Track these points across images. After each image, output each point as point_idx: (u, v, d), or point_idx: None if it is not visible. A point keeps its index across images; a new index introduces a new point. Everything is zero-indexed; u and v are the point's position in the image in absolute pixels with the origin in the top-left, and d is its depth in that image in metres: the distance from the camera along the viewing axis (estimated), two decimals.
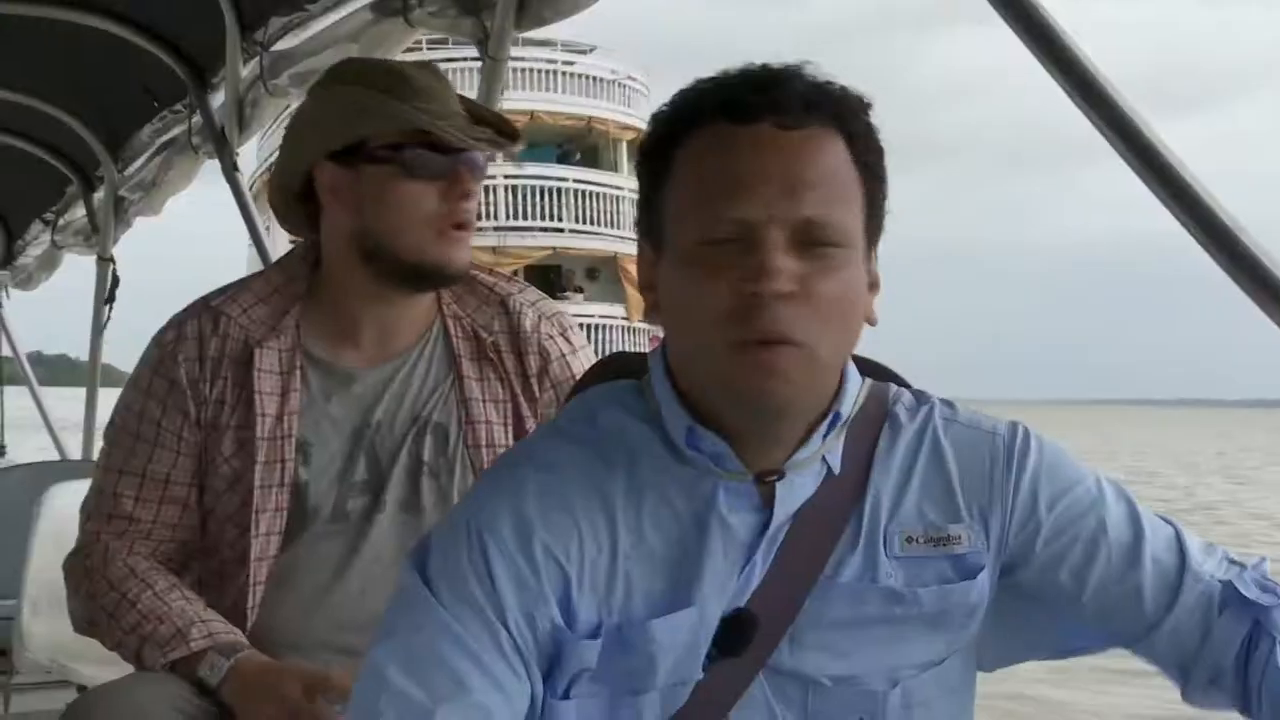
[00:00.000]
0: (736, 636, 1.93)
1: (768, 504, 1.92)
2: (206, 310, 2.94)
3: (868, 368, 2.26)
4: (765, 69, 1.87)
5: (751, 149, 1.84)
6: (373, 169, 2.80)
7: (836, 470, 1.96)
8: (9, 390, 11.85)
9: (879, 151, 1.92)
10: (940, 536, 1.97)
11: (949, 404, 2.10)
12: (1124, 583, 1.97)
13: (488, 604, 1.87)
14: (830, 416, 1.93)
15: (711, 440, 1.91)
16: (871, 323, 1.95)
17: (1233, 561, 2.00)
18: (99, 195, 7.87)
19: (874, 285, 1.94)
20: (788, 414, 1.90)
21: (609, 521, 1.96)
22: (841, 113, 1.88)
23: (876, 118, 1.93)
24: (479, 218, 3.12)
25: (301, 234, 2.99)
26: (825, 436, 1.93)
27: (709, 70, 1.92)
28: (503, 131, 2.91)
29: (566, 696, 1.92)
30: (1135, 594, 1.96)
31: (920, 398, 2.10)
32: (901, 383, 2.34)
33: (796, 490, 1.94)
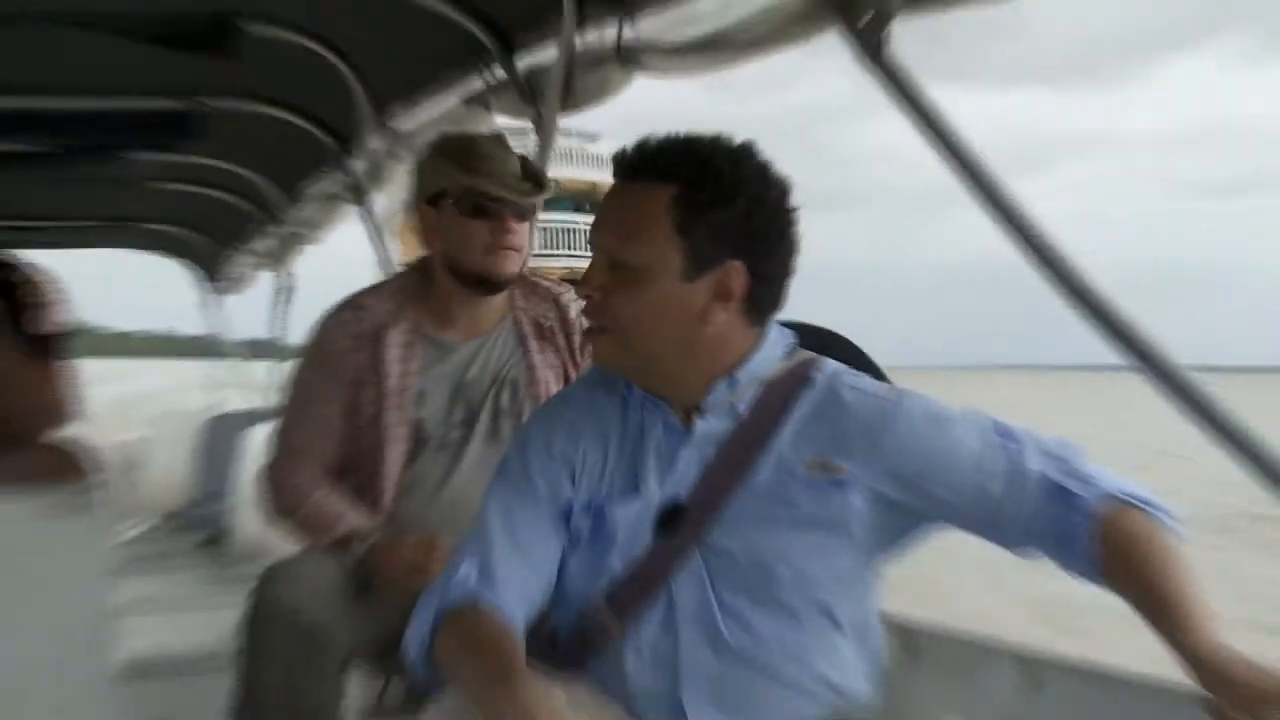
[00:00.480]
0: (669, 518, 2.38)
1: (689, 431, 2.43)
2: (351, 305, 3.57)
3: (828, 339, 2.82)
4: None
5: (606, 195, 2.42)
6: (448, 211, 3.43)
7: (741, 412, 2.41)
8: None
9: (721, 198, 2.30)
10: (830, 465, 2.35)
11: (856, 375, 2.49)
12: (977, 495, 2.35)
13: (526, 484, 2.45)
14: (726, 378, 2.41)
15: (641, 393, 2.49)
16: (704, 322, 2.34)
17: (1049, 451, 2.35)
18: (282, 229, 8.36)
19: (720, 293, 2.33)
20: (639, 378, 2.48)
21: (602, 438, 2.48)
22: (670, 168, 2.34)
23: (729, 172, 2.31)
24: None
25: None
26: (721, 391, 2.41)
27: None
28: (539, 184, 3.48)
29: (572, 552, 2.45)
30: (984, 502, 2.35)
31: (835, 369, 2.49)
32: (857, 351, 2.83)
33: (711, 424, 2.41)
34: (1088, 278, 2.49)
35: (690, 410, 2.44)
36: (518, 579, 2.35)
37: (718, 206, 2.30)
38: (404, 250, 5.10)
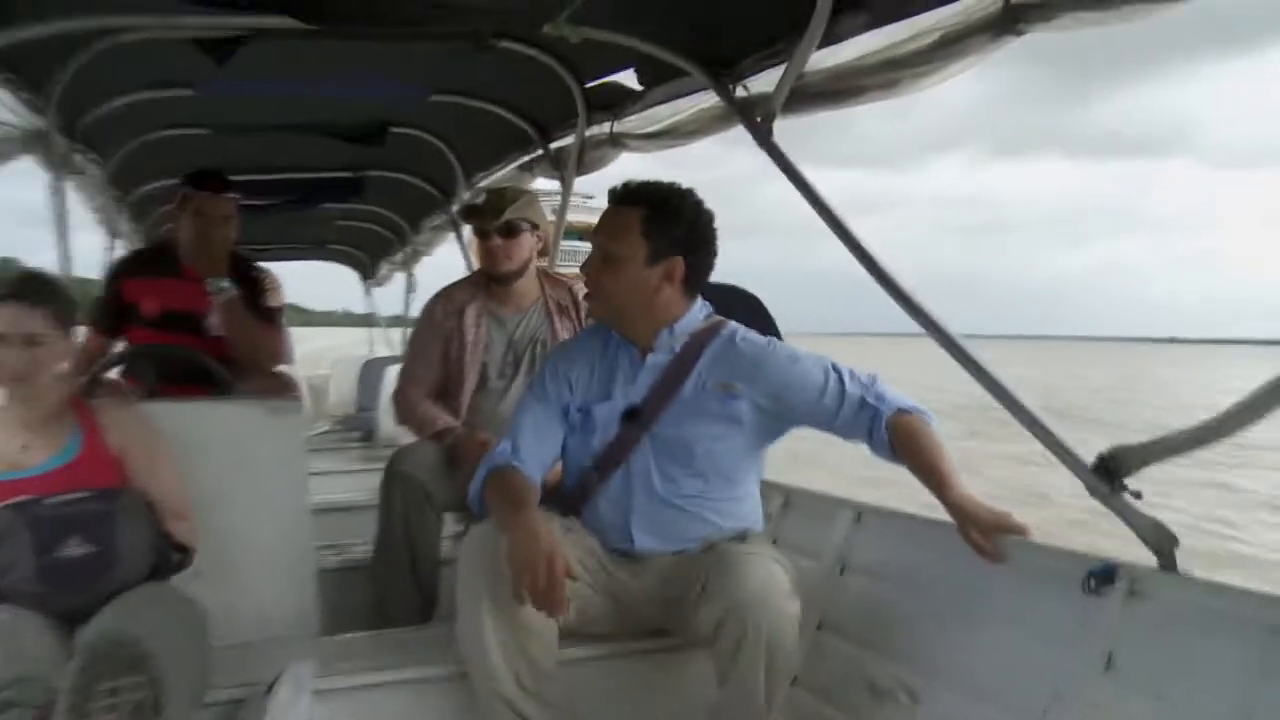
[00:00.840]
0: (631, 414, 2.50)
1: (644, 362, 2.53)
2: (444, 293, 3.56)
3: (743, 295, 2.99)
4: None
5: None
6: (477, 237, 3.48)
7: (677, 350, 2.50)
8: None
9: (671, 219, 2.42)
10: (728, 385, 2.47)
11: (747, 331, 2.55)
12: (818, 404, 2.45)
13: (544, 395, 2.56)
14: (668, 329, 2.50)
15: (617, 337, 2.56)
16: (657, 293, 2.45)
17: (862, 381, 2.46)
18: (408, 248, 8.42)
19: (667, 277, 2.44)
20: (614, 325, 2.56)
21: (590, 365, 2.57)
22: (641, 197, 2.44)
23: (676, 203, 2.44)
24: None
25: None
26: (664, 336, 2.50)
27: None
28: (500, 216, 3.36)
29: (569, 436, 2.56)
30: (824, 409, 2.45)
31: (734, 327, 2.55)
32: (758, 304, 3.00)
33: (658, 358, 2.51)
34: (897, 276, 2.52)
35: (645, 349, 2.53)
36: (533, 451, 2.49)
37: (669, 222, 2.44)
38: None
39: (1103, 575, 2.00)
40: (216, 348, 3.43)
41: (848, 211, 2.69)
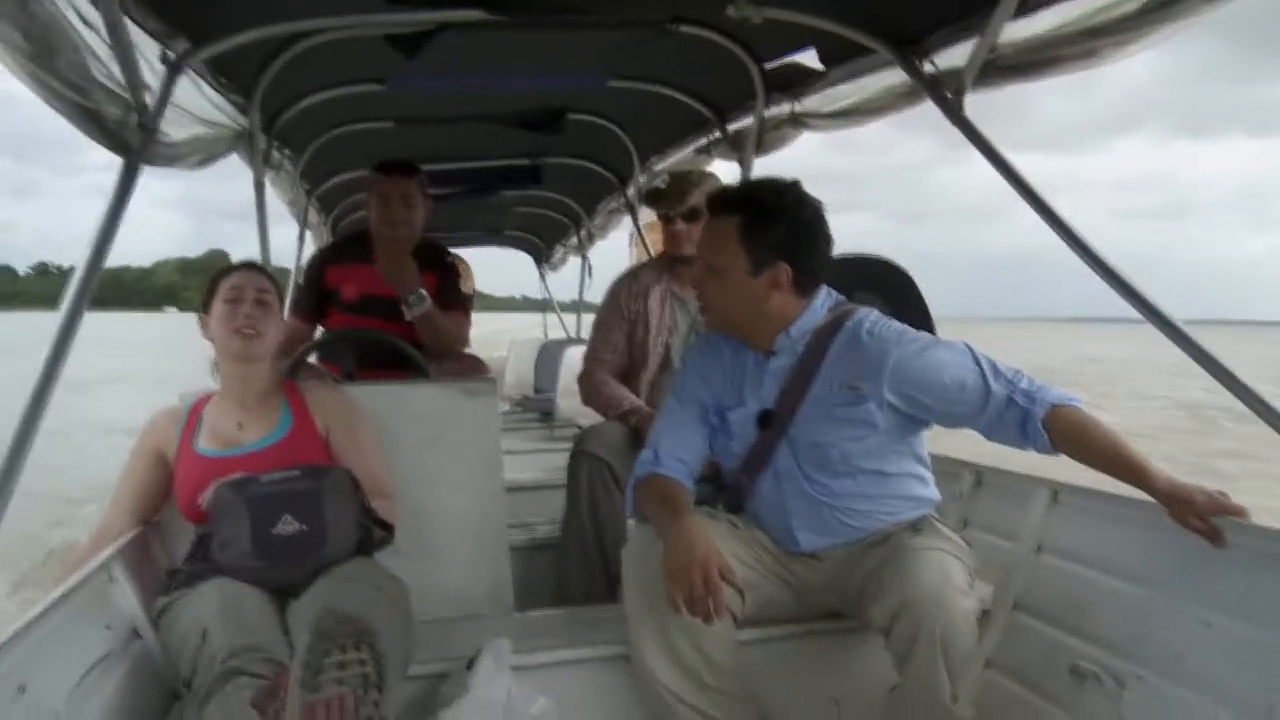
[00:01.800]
0: (765, 419, 2.42)
1: (768, 366, 2.43)
2: (631, 274, 3.61)
3: (890, 270, 2.87)
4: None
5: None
6: (661, 221, 3.49)
7: (799, 352, 2.39)
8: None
9: (768, 223, 2.30)
10: (854, 384, 2.33)
11: (872, 317, 2.39)
12: (957, 403, 2.30)
13: (683, 398, 2.52)
14: (784, 332, 2.39)
15: (738, 342, 2.48)
16: (765, 301, 2.35)
17: (1007, 378, 2.29)
18: (583, 232, 8.51)
19: (774, 284, 2.33)
20: (728, 332, 2.48)
21: (720, 366, 2.51)
22: (735, 205, 2.35)
23: (774, 205, 2.31)
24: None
25: None
26: (782, 339, 2.40)
27: None
28: (694, 208, 3.29)
29: (714, 440, 2.52)
30: (964, 408, 2.30)
31: (860, 316, 2.39)
32: (904, 283, 2.86)
33: (779, 359, 2.41)
34: (1102, 253, 2.41)
35: (767, 352, 2.43)
36: (676, 455, 2.43)
37: (767, 227, 2.31)
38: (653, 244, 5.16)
39: None
40: (411, 332, 3.51)
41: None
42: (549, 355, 7.45)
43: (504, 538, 2.95)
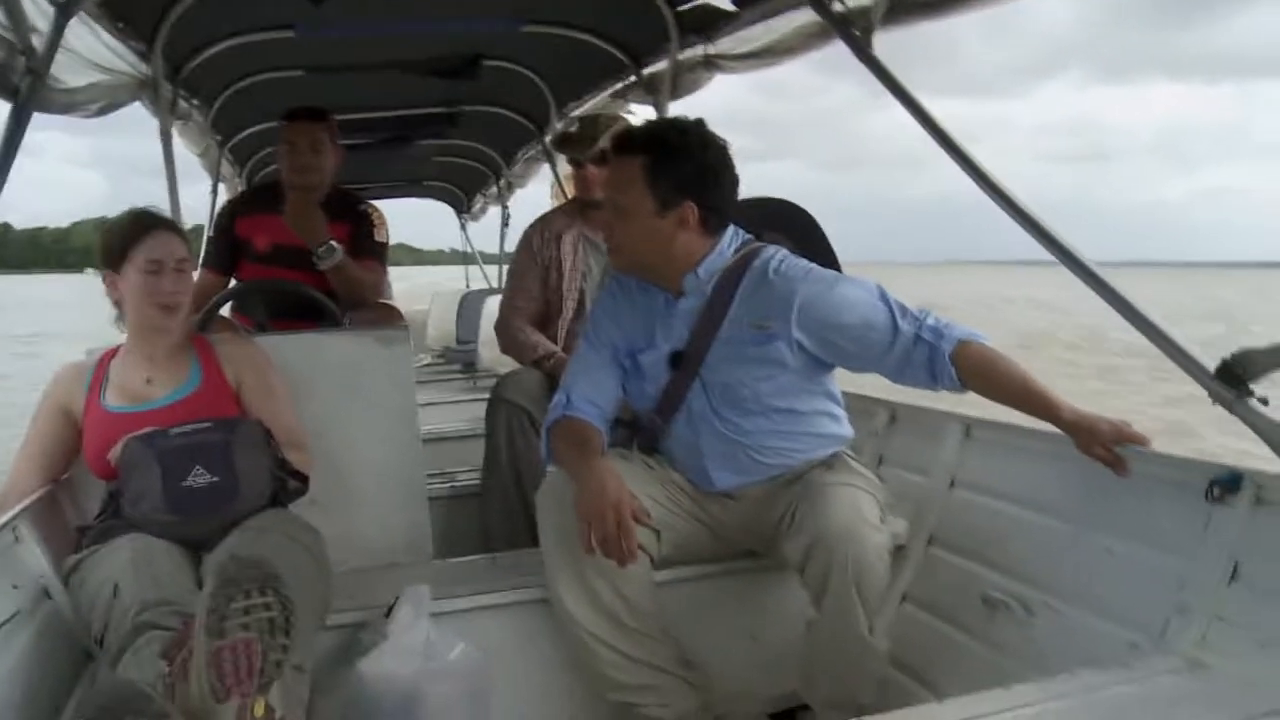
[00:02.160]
0: (676, 359, 2.39)
1: (677, 307, 2.40)
2: (543, 220, 3.59)
3: (791, 210, 2.74)
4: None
5: None
6: (571, 166, 3.51)
7: (708, 293, 2.35)
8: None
9: (673, 162, 2.26)
10: (763, 324, 2.30)
11: (780, 255, 2.36)
12: (864, 341, 2.28)
13: (594, 341, 2.50)
14: (692, 273, 2.36)
15: (647, 283, 2.44)
16: (672, 240, 2.30)
17: (915, 315, 2.28)
18: (502, 181, 8.50)
19: (681, 223, 2.29)
20: (637, 274, 2.45)
21: (631, 309, 2.48)
22: (640, 144, 2.31)
23: (678, 143, 2.27)
24: None
25: None
26: (690, 280, 2.36)
27: None
28: (604, 152, 3.24)
29: (627, 382, 2.49)
30: (872, 347, 2.28)
31: (767, 255, 2.36)
32: (806, 223, 2.71)
33: (689, 300, 2.37)
34: (1014, 195, 2.41)
35: (676, 293, 2.40)
36: (589, 398, 2.42)
37: (672, 166, 2.27)
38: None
39: (1227, 483, 1.94)
40: (324, 281, 3.46)
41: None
42: (470, 306, 7.40)
43: (422, 486, 2.93)
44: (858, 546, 2.10)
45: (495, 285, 9.28)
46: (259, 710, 1.58)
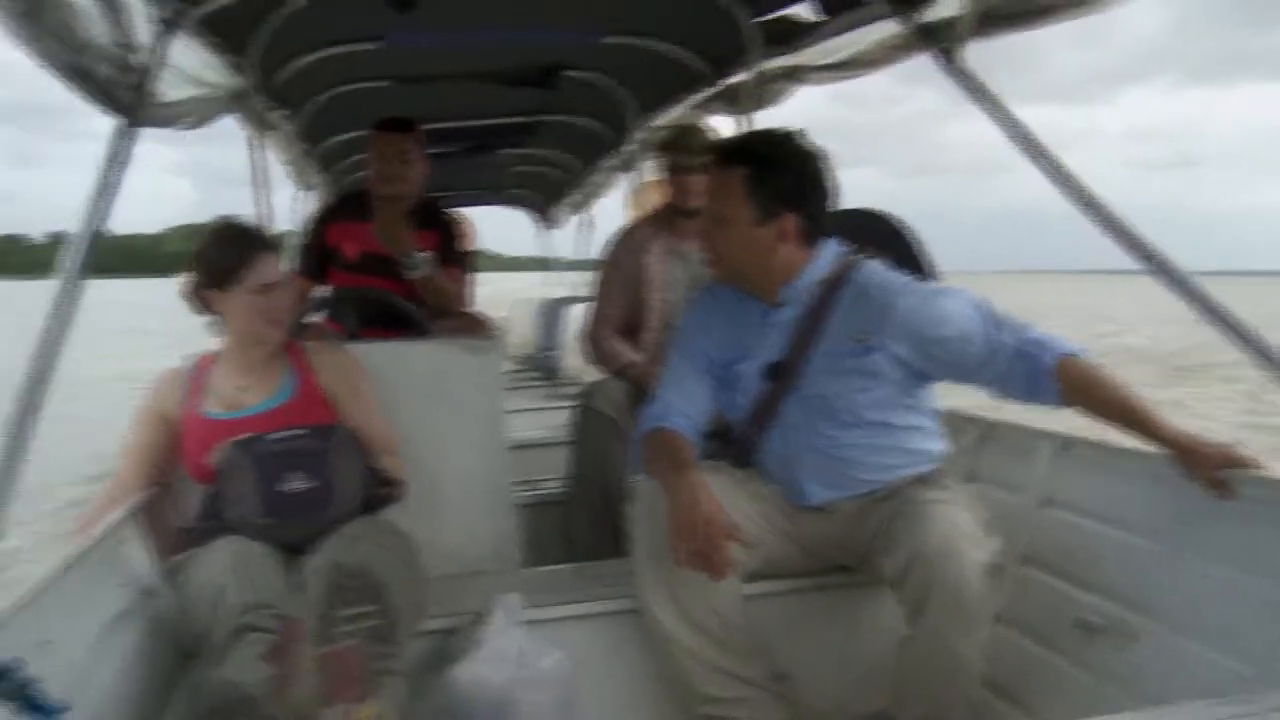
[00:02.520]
0: (772, 371, 2.38)
1: (774, 318, 2.39)
2: (629, 230, 3.58)
3: (879, 224, 2.77)
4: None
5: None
6: (666, 175, 3.46)
7: (806, 304, 2.34)
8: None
9: (774, 173, 2.26)
10: (862, 336, 2.29)
11: (878, 268, 2.36)
12: (963, 354, 2.27)
13: (686, 351, 2.48)
14: (790, 284, 2.35)
15: (744, 293, 2.42)
16: (772, 252, 2.30)
17: (1014, 328, 2.26)
18: (583, 189, 8.46)
19: (781, 235, 2.29)
20: (735, 284, 2.42)
21: (725, 318, 2.45)
22: (739, 156, 2.31)
23: (779, 155, 2.28)
24: None
25: None
26: (789, 291, 2.35)
27: None
28: (708, 152, 3.09)
29: (720, 392, 2.46)
30: (970, 359, 2.27)
31: (866, 269, 2.35)
32: (901, 235, 2.75)
33: (786, 311, 2.36)
34: (1106, 204, 2.30)
35: (774, 304, 2.39)
36: (682, 410, 2.39)
37: (772, 178, 2.27)
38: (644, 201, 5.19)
39: None
40: (412, 290, 3.49)
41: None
42: (550, 313, 7.43)
43: (508, 494, 2.95)
44: (957, 564, 2.07)
45: (574, 293, 9.33)
46: (363, 715, 1.60)
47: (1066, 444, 2.62)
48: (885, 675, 2.34)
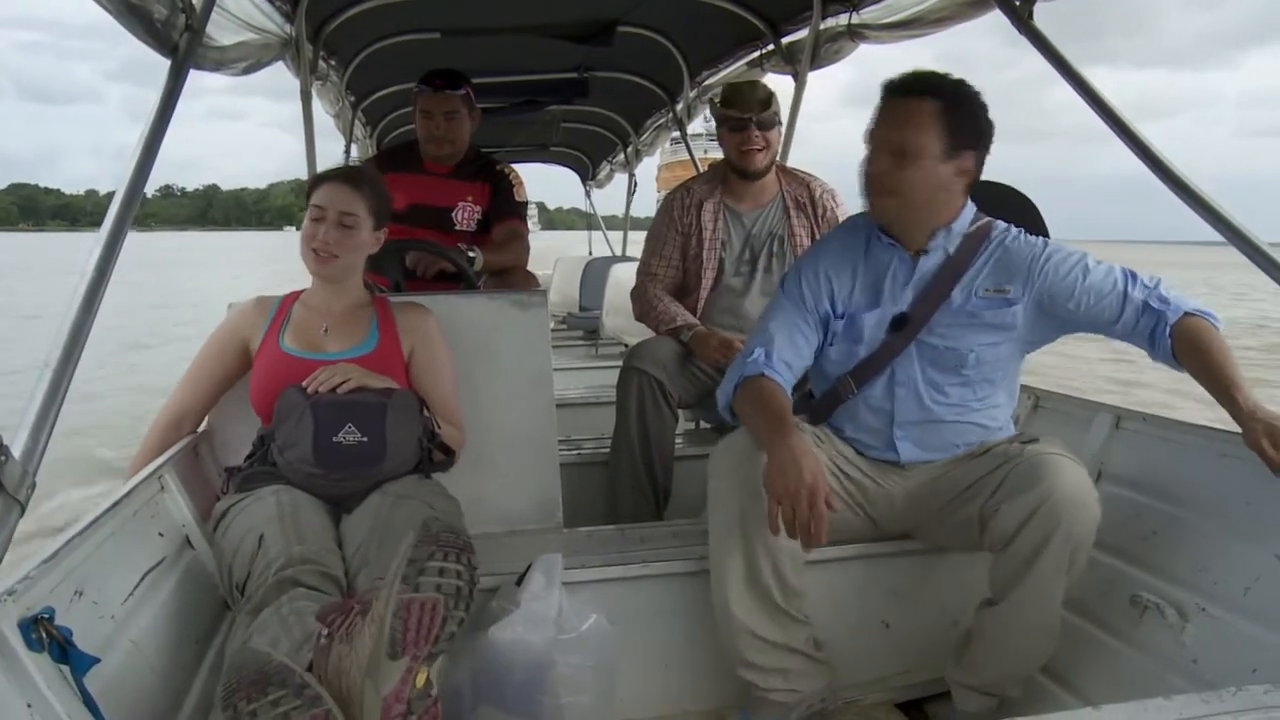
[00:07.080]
0: (899, 322, 2.33)
1: (915, 265, 2.35)
2: (684, 187, 3.49)
3: (1013, 194, 2.68)
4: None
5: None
6: (722, 130, 3.35)
7: (951, 253, 2.32)
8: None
9: (968, 109, 2.22)
10: (1001, 289, 2.29)
11: (1017, 232, 2.36)
12: (1097, 307, 2.24)
13: (800, 299, 2.38)
14: (945, 229, 2.32)
15: (887, 238, 2.37)
16: (947, 190, 2.26)
17: (1145, 284, 2.24)
18: (630, 148, 8.32)
19: (960, 172, 2.25)
20: (896, 224, 2.35)
21: (853, 267, 2.40)
22: (933, 89, 2.21)
23: (970, 93, 2.22)
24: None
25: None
26: (940, 238, 2.32)
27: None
28: (765, 106, 3.27)
29: (830, 344, 2.41)
30: (1103, 312, 2.24)
31: (1004, 228, 2.36)
32: (1027, 208, 2.65)
33: (929, 260, 2.33)
34: (1187, 178, 2.27)
35: (917, 250, 2.35)
36: (787, 359, 2.32)
37: (966, 113, 2.23)
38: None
39: None
40: (460, 241, 3.46)
41: (1144, 115, 2.43)
42: (595, 273, 7.41)
43: (554, 452, 2.90)
44: (1086, 514, 2.03)
45: (619, 253, 9.26)
46: (420, 680, 1.54)
47: (1122, 417, 2.55)
48: (928, 649, 2.32)
